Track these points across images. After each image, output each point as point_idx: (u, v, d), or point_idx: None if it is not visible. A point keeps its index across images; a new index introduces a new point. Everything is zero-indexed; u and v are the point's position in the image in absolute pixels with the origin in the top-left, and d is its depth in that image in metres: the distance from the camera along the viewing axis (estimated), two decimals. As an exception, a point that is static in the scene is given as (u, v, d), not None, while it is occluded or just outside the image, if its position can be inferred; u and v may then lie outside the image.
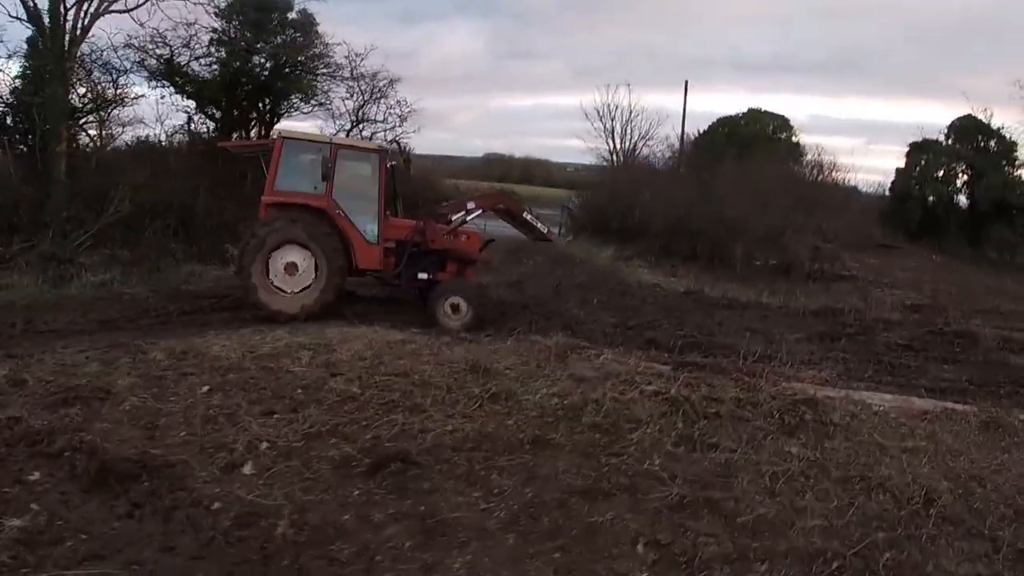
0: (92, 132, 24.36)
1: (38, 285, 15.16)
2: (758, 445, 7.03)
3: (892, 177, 35.16)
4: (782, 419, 7.72)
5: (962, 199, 34.67)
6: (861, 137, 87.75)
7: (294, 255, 12.39)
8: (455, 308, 12.63)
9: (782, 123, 34.76)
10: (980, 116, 34.34)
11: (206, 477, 5.63)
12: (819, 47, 78.96)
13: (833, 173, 33.24)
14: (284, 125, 26.55)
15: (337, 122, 26.66)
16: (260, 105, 26.27)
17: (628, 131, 37.70)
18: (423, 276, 13.21)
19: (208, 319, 13.00)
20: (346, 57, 26.08)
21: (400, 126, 27.74)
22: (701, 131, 35.67)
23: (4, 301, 14.05)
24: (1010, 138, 33.89)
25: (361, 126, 27.41)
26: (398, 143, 13.78)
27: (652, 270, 24.28)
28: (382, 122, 27.63)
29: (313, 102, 26.96)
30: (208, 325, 11.91)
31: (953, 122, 34.57)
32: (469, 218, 13.75)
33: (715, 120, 35.67)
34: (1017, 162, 33.65)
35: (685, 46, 78.06)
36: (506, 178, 54.62)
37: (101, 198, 18.46)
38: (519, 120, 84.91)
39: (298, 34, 25.85)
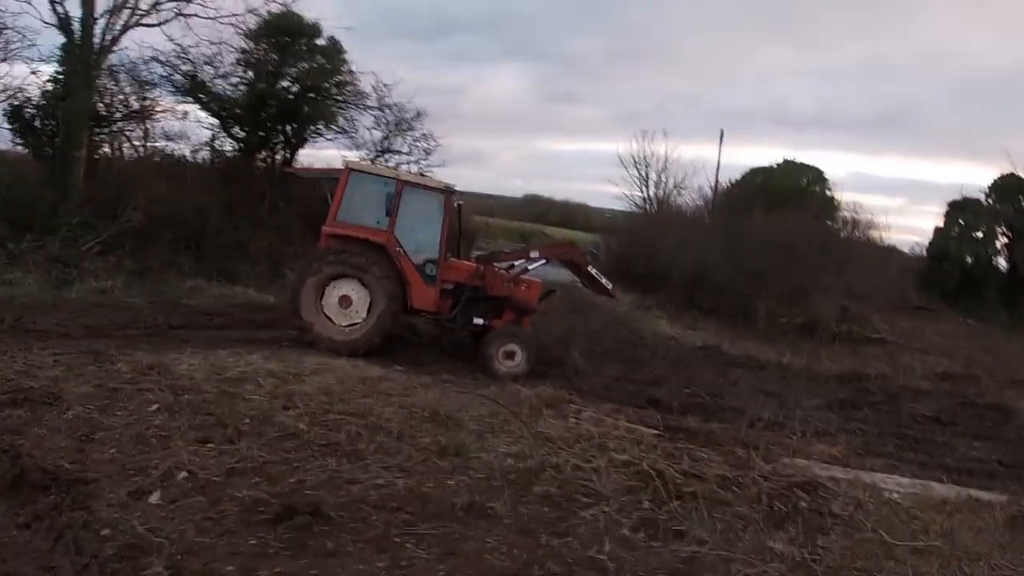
0: (115, 142, 24.05)
1: (40, 285, 15.19)
2: (735, 537, 6.04)
3: (931, 237, 33.64)
4: (771, 506, 6.66)
5: (1001, 262, 32.97)
6: (902, 196, 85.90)
7: (349, 288, 12.24)
8: (510, 355, 12.38)
9: (817, 176, 33.62)
10: (1023, 175, 32.62)
11: (112, 500, 5.45)
12: (863, 102, 77.36)
13: (869, 231, 31.82)
14: (311, 152, 26.70)
15: (360, 151, 25.95)
16: (285, 128, 25.60)
17: (663, 179, 36.61)
18: (479, 321, 12.93)
19: (195, 335, 12.69)
20: (373, 87, 25.39)
21: (425, 159, 26.62)
22: (734, 181, 34.62)
23: (4, 296, 13.90)
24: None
25: (385, 156, 26.42)
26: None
27: (671, 321, 23.24)
28: (407, 154, 26.56)
29: (336, 129, 26.09)
30: (191, 341, 11.75)
31: (995, 181, 33.16)
32: (532, 267, 13.38)
33: (748, 170, 34.52)
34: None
35: (726, 98, 77.27)
36: (545, 219, 54.91)
37: (115, 206, 18.42)
38: (561, 163, 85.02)
39: (325, 60, 25.17)
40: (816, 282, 23.83)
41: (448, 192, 12.96)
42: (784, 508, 6.58)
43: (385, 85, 25.31)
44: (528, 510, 6.22)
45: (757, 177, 33.66)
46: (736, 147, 75.75)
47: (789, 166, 33.91)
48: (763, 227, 26.69)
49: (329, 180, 13.46)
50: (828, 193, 33.50)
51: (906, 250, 36.78)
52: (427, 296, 12.55)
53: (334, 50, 25.28)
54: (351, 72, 25.15)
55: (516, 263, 13.31)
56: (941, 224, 33.27)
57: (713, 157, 42.31)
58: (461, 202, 14.09)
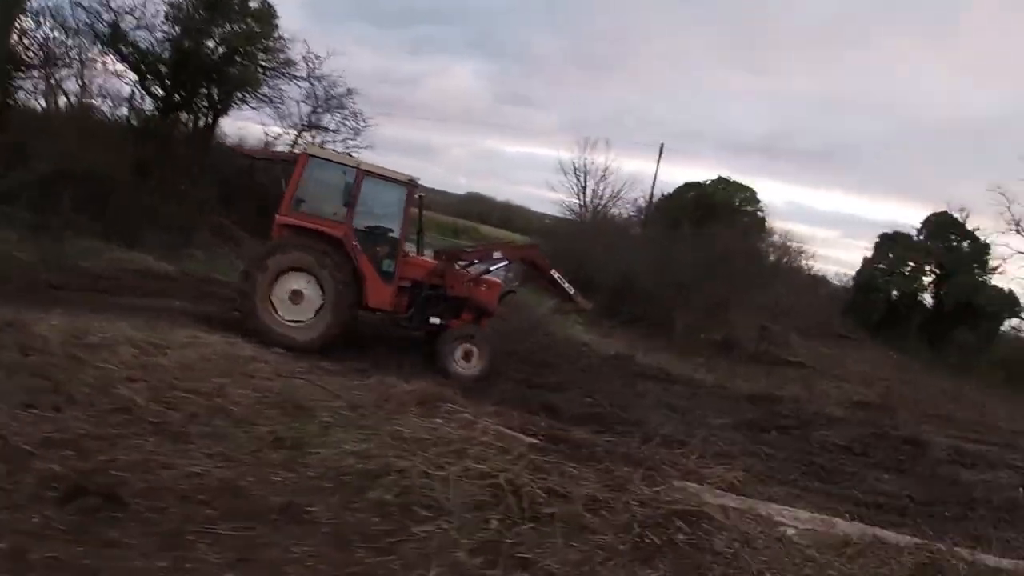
0: (50, 95, 22.34)
1: (-72, 229, 13.68)
2: (590, 572, 4.87)
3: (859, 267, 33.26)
4: (642, 537, 5.54)
5: (927, 297, 32.76)
6: (837, 230, 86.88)
7: (301, 283, 11.73)
8: (467, 355, 12.15)
9: (750, 196, 33.04)
10: (956, 215, 32.85)
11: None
12: (808, 135, 78.08)
13: (797, 257, 31.33)
14: (233, 120, 26.21)
15: (284, 123, 25.08)
16: (210, 91, 24.57)
17: (600, 188, 35.76)
18: (436, 321, 12.53)
19: (73, 297, 11.93)
20: (304, 57, 24.54)
21: (353, 139, 25.69)
22: (667, 194, 33.82)
23: None
24: (984, 240, 32.43)
25: (313, 133, 25.41)
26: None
27: (589, 328, 22.48)
28: (334, 131, 25.64)
29: (261, 97, 25.04)
30: (67, 303, 10.88)
31: (928, 217, 33.30)
32: (493, 268, 13.00)
33: (683, 184, 33.82)
34: (988, 266, 31.97)
35: (677, 116, 76.94)
36: (485, 218, 54.87)
37: (20, 156, 17.42)
38: (508, 164, 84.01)
39: (255, 24, 23.90)
40: (739, 299, 23.07)
41: (411, 184, 12.42)
42: (657, 540, 5.47)
43: (316, 57, 24.55)
44: (355, 518, 5.27)
45: (690, 191, 32.90)
46: (679, 166, 75.74)
47: (723, 183, 33.22)
48: (691, 241, 26.14)
49: (284, 164, 13.05)
50: (760, 214, 32.82)
51: (834, 280, 36.32)
52: (383, 294, 12.10)
53: (266, 14, 24.15)
54: (281, 39, 24.14)
55: (476, 262, 12.88)
56: (870, 255, 32.82)
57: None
58: (423, 194, 13.44)
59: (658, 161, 34.86)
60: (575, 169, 36.29)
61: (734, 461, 10.63)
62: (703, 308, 22.94)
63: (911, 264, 32.01)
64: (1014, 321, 32.12)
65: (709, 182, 33.58)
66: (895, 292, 31.84)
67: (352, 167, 12.17)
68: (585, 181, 36.12)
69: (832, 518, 8.04)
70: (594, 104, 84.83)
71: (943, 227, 32.35)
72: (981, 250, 31.95)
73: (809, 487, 10.81)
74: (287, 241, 11.75)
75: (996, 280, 31.90)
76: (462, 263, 12.85)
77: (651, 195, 34.05)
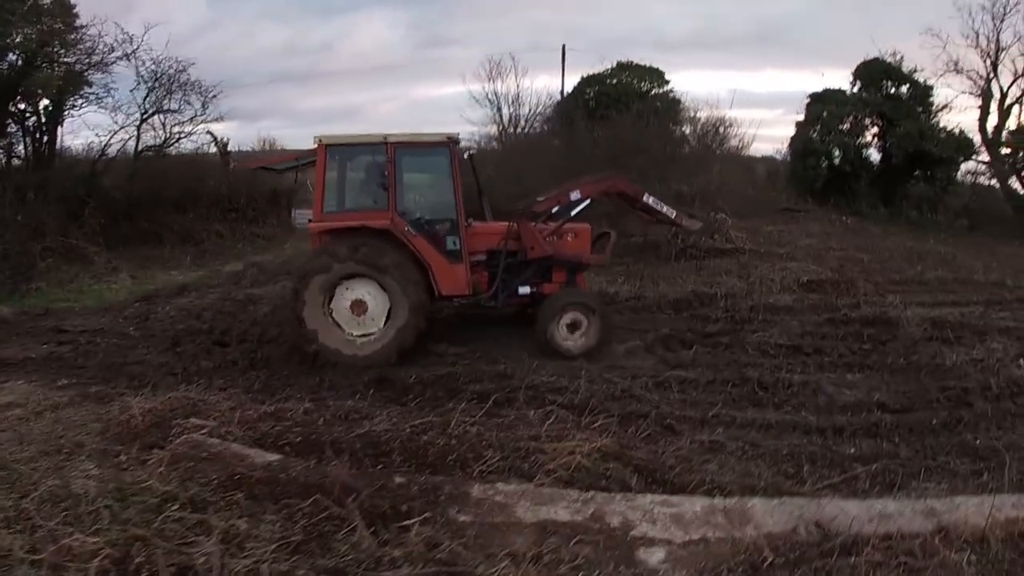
0: None
1: None
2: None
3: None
4: None
5: (874, 153, 29.65)
6: (780, 108, 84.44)
7: (360, 291, 10.10)
8: (574, 326, 10.33)
9: (655, 77, 29.22)
10: (889, 59, 29.17)
11: None
12: (737, 22, 74.75)
13: (725, 138, 27.90)
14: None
15: (119, 115, 22.76)
16: (20, 110, 21.46)
17: (513, 111, 31.91)
18: (525, 291, 10.82)
19: None
20: (116, 41, 21.39)
21: (203, 113, 24.01)
22: (565, 94, 30.01)
23: None
24: (925, 82, 28.82)
25: (163, 117, 23.61)
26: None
27: None
28: (176, 111, 23.65)
29: (86, 95, 22.28)
30: None
31: (858, 67, 29.32)
32: (574, 212, 10.84)
33: (580, 79, 29.99)
34: (933, 109, 28.67)
35: (606, 27, 73.09)
36: None
37: None
38: (441, 108, 79.79)
39: (57, 22, 20.50)
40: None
41: (452, 142, 10.57)
42: None
43: (130, 36, 21.59)
44: None
45: (588, 86, 29.12)
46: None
47: (625, 69, 29.40)
48: (586, 137, 23.26)
49: (306, 165, 11.39)
50: (672, 96, 29.10)
51: (775, 156, 33.29)
52: (456, 277, 10.33)
53: (60, 7, 20.72)
54: (80, 28, 20.87)
55: (554, 211, 10.77)
56: (802, 119, 29.35)
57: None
58: (472, 151, 12.14)
59: (563, 66, 31.35)
60: (487, 97, 32.23)
61: (620, 411, 8.01)
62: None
63: (849, 120, 28.43)
64: (970, 165, 29.07)
65: (608, 70, 29.73)
66: (837, 152, 28.31)
67: (379, 143, 10.31)
68: (499, 106, 32.06)
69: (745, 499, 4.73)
70: (519, 30, 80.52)
71: (876, 75, 28.76)
72: (923, 93, 28.50)
73: (739, 420, 8.03)
74: (330, 248, 10.09)
75: (945, 122, 28.61)
76: (538, 214, 10.77)
77: (561, 101, 30.19)
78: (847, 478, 6.69)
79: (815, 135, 27.74)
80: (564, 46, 31.56)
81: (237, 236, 23.51)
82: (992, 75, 28.10)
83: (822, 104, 28.62)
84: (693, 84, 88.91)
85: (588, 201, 10.88)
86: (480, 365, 9.65)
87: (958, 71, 28.08)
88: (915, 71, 28.53)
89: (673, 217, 11.24)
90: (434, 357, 10.19)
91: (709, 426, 7.83)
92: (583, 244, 11.05)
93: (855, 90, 29.22)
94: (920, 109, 28.27)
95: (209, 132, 25.97)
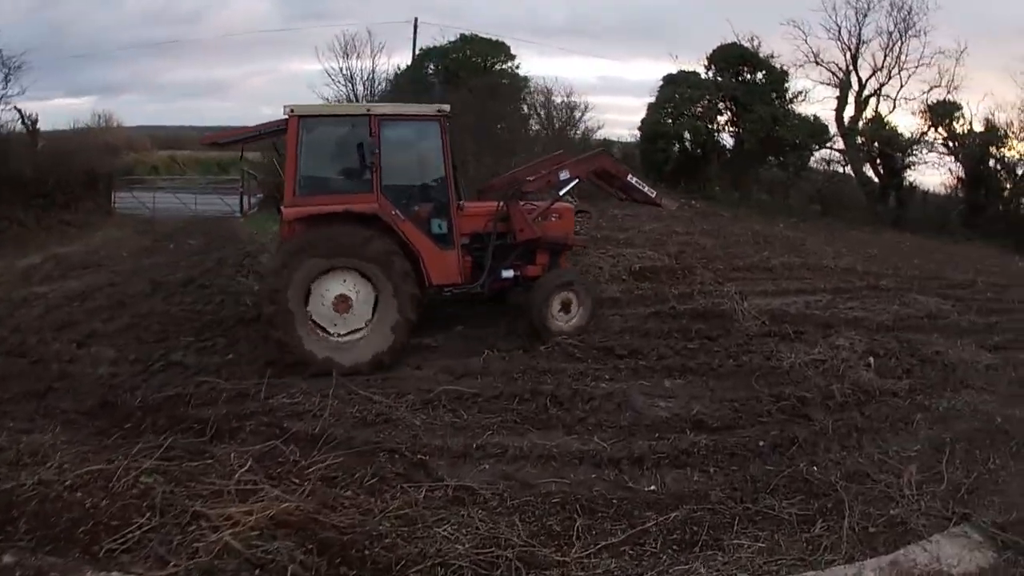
0: None
1: None
2: None
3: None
4: None
5: (727, 138, 28.98)
6: (648, 97, 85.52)
7: (343, 285, 8.90)
8: (566, 305, 9.72)
9: (498, 51, 27.32)
10: (746, 44, 28.44)
11: None
12: (611, 13, 74.81)
13: (579, 118, 26.46)
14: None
15: None
16: None
17: (369, 89, 29.10)
18: (508, 274, 10.00)
19: None
20: None
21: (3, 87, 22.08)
22: (402, 68, 27.69)
23: None
24: (781, 68, 28.29)
25: None
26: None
27: None
28: None
29: None
30: None
31: (713, 51, 28.49)
32: (563, 192, 10.34)
33: (420, 52, 27.81)
34: (788, 95, 28.32)
35: (487, 7, 71.77)
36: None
37: None
38: (314, 83, 76.52)
39: None
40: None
41: (442, 116, 9.66)
42: None
43: None
44: None
45: (427, 60, 27.00)
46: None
47: (467, 42, 27.34)
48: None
49: (269, 138, 9.96)
50: (520, 73, 27.33)
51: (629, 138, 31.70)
52: (448, 264, 9.55)
53: None
54: None
55: (535, 190, 10.31)
56: (653, 100, 28.15)
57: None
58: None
59: (414, 39, 28.90)
60: (341, 72, 29.26)
61: (363, 444, 6.45)
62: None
63: (702, 104, 27.45)
64: (824, 153, 29.13)
65: (448, 43, 27.70)
66: (687, 136, 27.26)
67: (361, 115, 9.49)
68: (353, 83, 29.18)
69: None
70: (397, 5, 78.10)
71: (732, 60, 27.94)
72: (778, 79, 27.94)
73: (512, 450, 6.45)
74: (306, 238, 9.01)
75: (801, 109, 28.30)
76: (525, 197, 10.26)
77: (397, 77, 27.81)
78: (632, 535, 5.03)
79: (666, 118, 26.46)
80: (416, 19, 29.58)
81: (43, 225, 21.09)
82: (851, 68, 28.57)
83: (674, 87, 27.48)
84: (563, 70, 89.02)
85: (576, 180, 10.35)
86: (222, 383, 7.95)
87: (818, 63, 28.36)
88: (772, 56, 27.98)
89: (653, 196, 10.78)
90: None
91: (472, 461, 6.23)
92: (568, 225, 10.61)
93: (710, 74, 28.15)
94: (775, 95, 27.61)
95: (16, 108, 24.01)
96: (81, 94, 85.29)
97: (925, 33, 27.21)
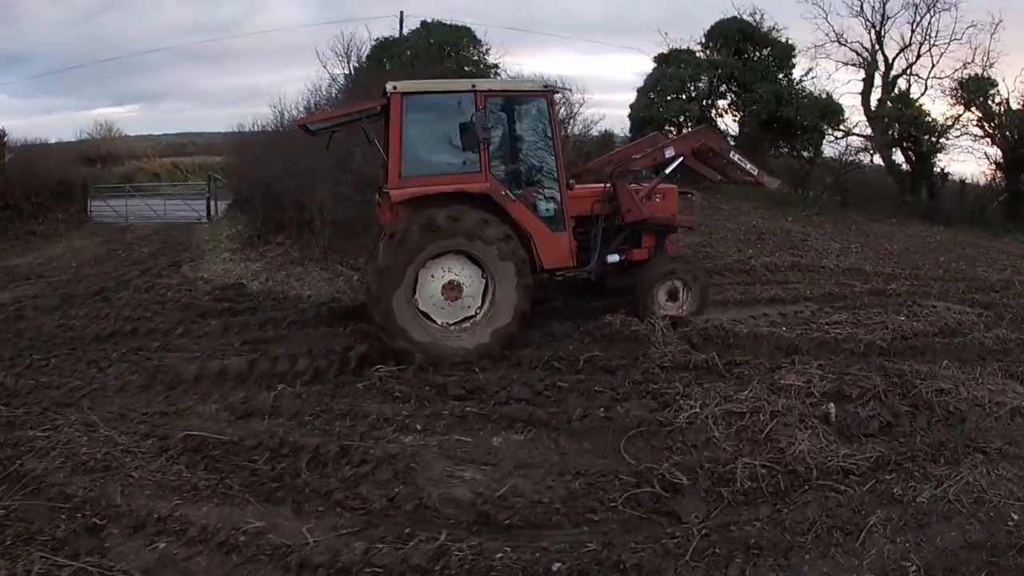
0: None
1: None
2: None
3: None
4: None
5: (729, 122, 26.30)
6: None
7: (454, 270, 8.59)
8: (672, 294, 9.42)
9: (462, 38, 24.74)
10: (748, 19, 25.58)
11: None
12: (650, 7, 73.31)
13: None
14: None
15: None
16: None
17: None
18: (614, 259, 9.69)
19: None
20: None
21: None
22: (362, 62, 25.18)
23: None
24: (786, 40, 25.46)
25: None
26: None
27: (241, 257, 15.73)
28: None
29: None
30: None
31: (712, 27, 25.80)
32: (668, 170, 10.00)
33: (375, 44, 25.60)
34: (794, 72, 25.58)
35: (521, 9, 71.53)
36: None
37: None
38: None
39: None
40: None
41: (550, 91, 9.46)
42: None
43: None
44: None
45: (384, 54, 24.53)
46: (533, 56, 74.80)
47: (427, 30, 24.79)
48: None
49: (366, 121, 9.37)
50: (489, 59, 24.75)
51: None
52: (559, 248, 9.14)
53: None
54: None
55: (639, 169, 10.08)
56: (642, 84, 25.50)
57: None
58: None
59: (400, 33, 26.57)
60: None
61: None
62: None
63: (695, 85, 24.79)
64: (852, 140, 25.89)
65: (406, 34, 25.33)
66: (683, 121, 24.49)
67: (466, 91, 8.91)
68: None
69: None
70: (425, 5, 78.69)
71: (731, 36, 25.23)
72: (783, 53, 25.10)
73: (192, 523, 4.84)
74: (415, 221, 8.39)
75: (812, 87, 25.46)
76: (631, 176, 9.98)
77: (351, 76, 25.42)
78: None
79: (656, 102, 23.71)
80: (401, 12, 27.06)
81: (9, 235, 20.80)
82: (877, 46, 25.94)
83: (664, 68, 24.85)
84: (599, 68, 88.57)
85: (682, 159, 9.97)
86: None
87: (841, 43, 25.78)
88: (774, 29, 25.26)
89: (755, 175, 10.38)
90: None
91: (146, 535, 4.76)
92: (671, 206, 10.25)
93: (707, 52, 25.63)
94: (780, 73, 24.89)
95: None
96: (124, 103, 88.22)
97: (956, 7, 24.36)
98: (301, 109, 20.58)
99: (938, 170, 25.12)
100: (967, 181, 26.16)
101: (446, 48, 23.76)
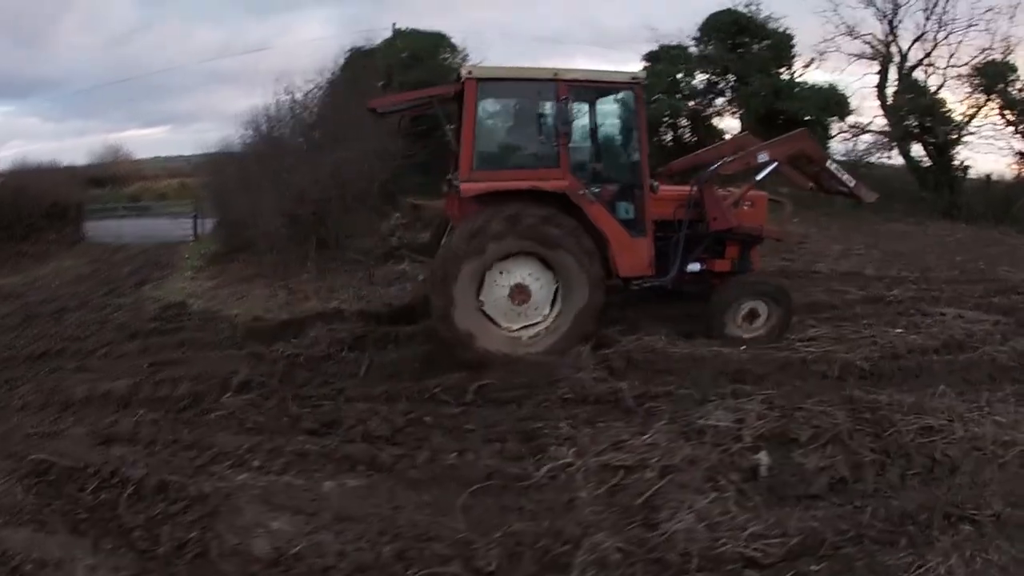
0: None
1: None
2: None
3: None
4: None
5: (731, 121, 24.52)
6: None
7: (523, 273, 8.01)
8: (751, 316, 8.57)
9: (433, 44, 23.34)
10: (743, 10, 23.78)
11: None
12: (676, 16, 73.06)
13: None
14: None
15: None
16: None
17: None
18: (695, 268, 8.97)
19: None
20: None
21: None
22: (333, 75, 24.04)
23: None
24: (784, 30, 23.74)
25: None
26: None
27: (203, 275, 15.57)
28: None
29: None
30: None
31: (706, 20, 24.23)
32: (760, 176, 9.05)
33: (346, 55, 23.94)
34: (794, 63, 23.93)
35: (543, 23, 72.09)
36: None
37: None
38: None
39: None
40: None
41: (638, 83, 8.62)
42: None
43: None
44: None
45: (356, 61, 23.28)
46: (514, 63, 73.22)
47: (400, 37, 23.54)
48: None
49: (438, 106, 8.82)
50: (463, 62, 23.32)
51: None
52: (639, 253, 8.44)
53: None
54: None
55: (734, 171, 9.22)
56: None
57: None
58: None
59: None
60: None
61: None
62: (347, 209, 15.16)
63: (686, 82, 23.56)
64: (867, 137, 24.21)
65: (377, 44, 24.12)
66: (686, 121, 23.58)
67: (547, 80, 8.24)
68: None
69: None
70: (457, 25, 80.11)
71: (727, 30, 23.71)
72: (780, 44, 23.59)
73: None
74: (485, 218, 7.83)
75: (815, 79, 23.84)
76: (718, 181, 9.31)
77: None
78: None
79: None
80: (394, 24, 25.79)
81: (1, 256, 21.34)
82: (891, 36, 24.12)
83: (655, 65, 23.59)
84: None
85: (775, 164, 9.22)
86: None
87: (853, 36, 23.95)
88: (769, 19, 23.71)
89: (852, 187, 9.60)
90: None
91: None
92: (761, 215, 9.55)
93: (702, 47, 24.13)
94: (781, 66, 23.39)
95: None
96: (154, 125, 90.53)
97: None
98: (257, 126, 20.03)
99: (958, 163, 23.34)
100: (993, 177, 24.25)
101: (421, 56, 22.39)
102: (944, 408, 5.26)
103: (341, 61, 23.23)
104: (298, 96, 20.93)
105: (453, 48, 23.59)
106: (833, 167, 9.49)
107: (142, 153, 45.47)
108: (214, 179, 20.86)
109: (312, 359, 7.85)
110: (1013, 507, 4.05)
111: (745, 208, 9.25)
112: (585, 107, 9.22)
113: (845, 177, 9.44)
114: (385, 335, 8.52)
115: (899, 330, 8.04)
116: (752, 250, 9.50)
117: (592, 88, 9.02)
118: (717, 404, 5.35)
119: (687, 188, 8.95)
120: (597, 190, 8.48)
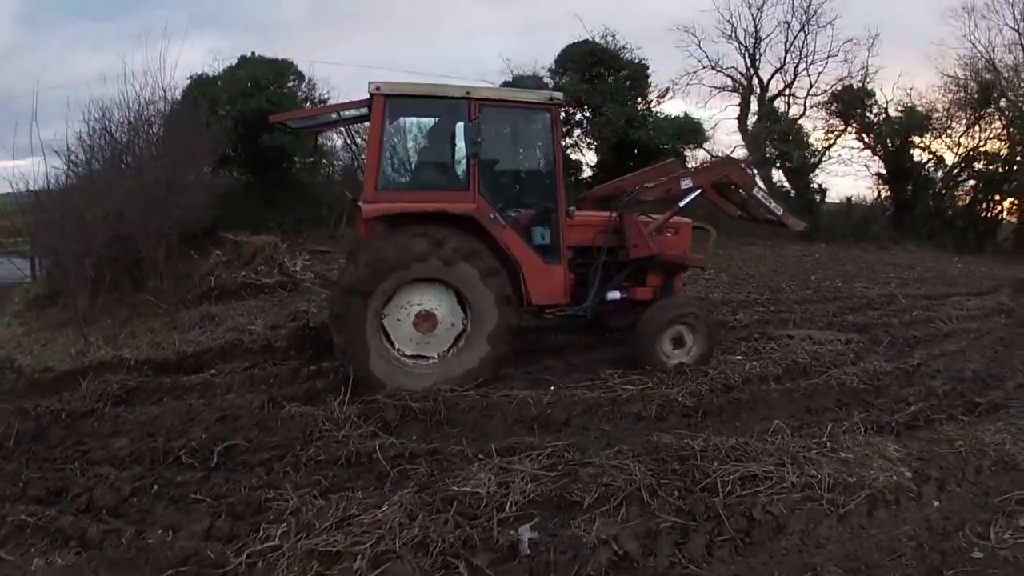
0: None
1: None
2: None
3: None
4: None
5: (585, 153, 24.04)
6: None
7: (429, 299, 7.55)
8: (677, 341, 8.19)
9: (277, 72, 21.98)
10: (600, 41, 23.52)
11: None
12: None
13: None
14: None
15: None
16: None
17: None
18: (615, 296, 8.62)
19: None
20: None
21: None
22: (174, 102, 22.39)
23: None
24: (639, 60, 23.35)
25: None
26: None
27: (32, 314, 13.92)
28: None
29: None
30: None
31: (562, 51, 23.73)
32: (683, 203, 8.67)
33: (189, 81, 22.44)
34: (649, 92, 23.86)
35: (433, 60, 71.18)
36: None
37: None
38: None
39: None
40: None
41: (556, 104, 8.16)
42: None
43: None
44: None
45: (195, 93, 21.82)
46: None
47: (246, 63, 22.17)
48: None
49: (347, 123, 9.18)
50: (307, 91, 22.11)
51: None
52: (553, 281, 8.08)
53: None
54: None
55: (651, 200, 9.00)
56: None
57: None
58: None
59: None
60: None
61: None
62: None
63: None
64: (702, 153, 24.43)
65: (222, 70, 22.57)
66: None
67: (458, 98, 7.69)
68: None
69: None
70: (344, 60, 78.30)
71: (583, 60, 23.31)
72: (637, 74, 23.28)
73: None
74: (389, 240, 7.47)
75: (669, 109, 23.92)
76: (641, 207, 8.93)
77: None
78: None
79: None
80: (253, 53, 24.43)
81: None
82: (751, 69, 25.35)
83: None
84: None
85: (699, 191, 8.82)
86: None
87: (715, 68, 25.21)
88: (623, 48, 23.54)
89: (779, 215, 9.23)
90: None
91: None
92: (685, 242, 9.19)
93: (556, 79, 23.58)
94: (636, 96, 22.98)
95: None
96: (26, 156, 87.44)
97: (832, 24, 23.91)
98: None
99: (815, 186, 24.18)
100: (852, 199, 25.17)
101: (264, 83, 21.12)
102: (775, 449, 4.37)
103: (181, 88, 21.95)
104: (112, 126, 19.62)
105: (300, 76, 22.39)
106: (761, 195, 9.22)
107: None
108: (33, 216, 19.07)
109: (73, 415, 6.59)
110: (853, 575, 3.11)
111: (668, 235, 8.97)
112: (496, 128, 8.90)
113: (773, 205, 9.23)
114: (160, 386, 7.18)
115: (738, 357, 7.44)
116: (675, 278, 9.22)
117: (507, 108, 8.51)
118: (486, 462, 4.26)
119: (606, 214, 8.62)
120: (513, 214, 8.05)
